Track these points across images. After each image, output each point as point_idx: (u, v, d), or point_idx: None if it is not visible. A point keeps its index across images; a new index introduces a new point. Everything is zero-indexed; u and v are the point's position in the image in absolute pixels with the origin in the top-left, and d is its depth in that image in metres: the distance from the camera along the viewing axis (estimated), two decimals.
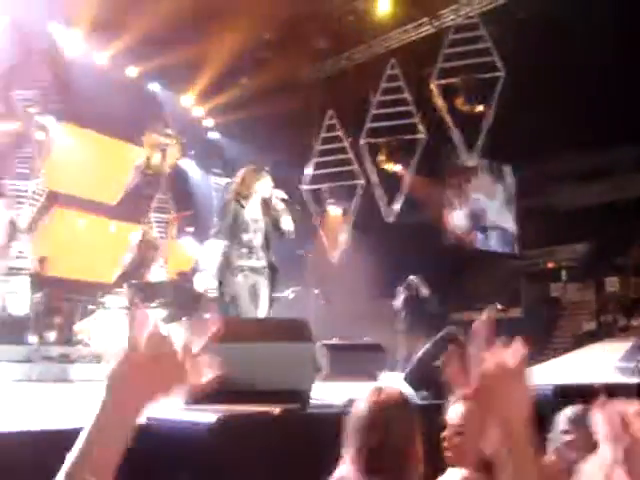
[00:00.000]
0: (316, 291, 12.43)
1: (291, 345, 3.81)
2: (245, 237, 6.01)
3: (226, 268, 5.95)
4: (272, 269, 6.15)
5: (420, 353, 4.98)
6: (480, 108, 15.88)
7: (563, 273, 17.96)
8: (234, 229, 5.98)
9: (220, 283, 6.00)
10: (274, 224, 6.15)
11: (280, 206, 6.19)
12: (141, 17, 13.77)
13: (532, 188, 16.67)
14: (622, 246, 13.22)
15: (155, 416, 3.31)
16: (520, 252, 18.74)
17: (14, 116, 15.56)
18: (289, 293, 10.14)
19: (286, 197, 6.35)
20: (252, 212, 6.09)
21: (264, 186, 6.15)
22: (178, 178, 19.17)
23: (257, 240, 6.06)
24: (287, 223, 6.19)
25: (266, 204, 6.15)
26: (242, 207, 6.03)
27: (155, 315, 12.64)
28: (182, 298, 12.25)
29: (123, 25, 14.41)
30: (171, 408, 3.79)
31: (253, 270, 6.00)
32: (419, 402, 4.51)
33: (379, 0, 15.44)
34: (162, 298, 12.47)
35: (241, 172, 6.26)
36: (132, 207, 18.15)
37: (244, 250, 6.00)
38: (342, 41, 16.62)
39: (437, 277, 14.40)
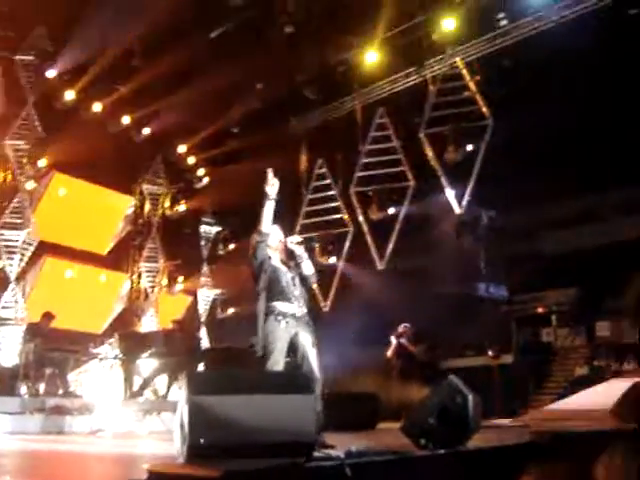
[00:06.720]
0: None
1: (293, 397, 3.79)
2: (285, 288, 5.73)
3: (267, 316, 5.58)
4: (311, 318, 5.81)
5: (419, 403, 4.97)
6: (467, 156, 16.06)
7: (553, 318, 17.94)
8: (273, 283, 5.69)
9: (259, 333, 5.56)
10: (298, 272, 5.90)
11: (298, 252, 5.97)
12: (136, 68, 13.97)
13: (520, 233, 16.74)
14: (612, 290, 13.23)
15: (158, 470, 3.29)
16: (509, 297, 18.73)
17: (5, 166, 15.63)
18: None
19: (300, 240, 6.12)
20: (278, 264, 5.85)
21: (274, 237, 5.87)
22: (168, 227, 19.19)
23: (296, 290, 5.78)
24: (307, 268, 5.96)
25: (285, 254, 5.95)
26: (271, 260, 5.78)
27: (146, 366, 12.55)
28: (174, 348, 12.15)
29: (117, 76, 14.58)
30: (174, 463, 3.76)
31: (294, 317, 5.64)
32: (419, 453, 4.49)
33: (367, 51, 15.69)
34: (153, 348, 12.36)
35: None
36: (122, 257, 18.16)
37: (286, 299, 5.69)
38: (332, 91, 16.84)
39: (428, 324, 14.35)
